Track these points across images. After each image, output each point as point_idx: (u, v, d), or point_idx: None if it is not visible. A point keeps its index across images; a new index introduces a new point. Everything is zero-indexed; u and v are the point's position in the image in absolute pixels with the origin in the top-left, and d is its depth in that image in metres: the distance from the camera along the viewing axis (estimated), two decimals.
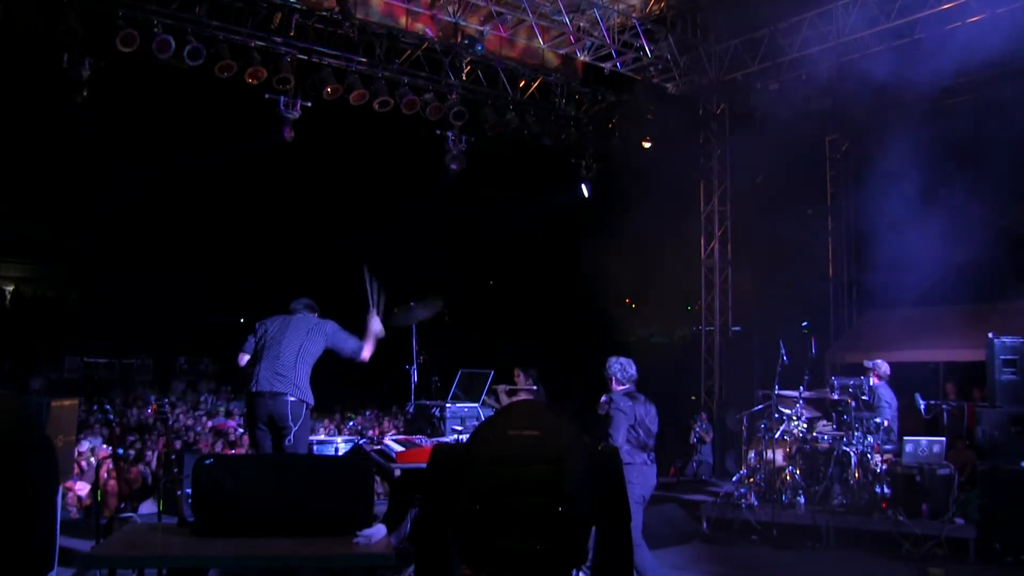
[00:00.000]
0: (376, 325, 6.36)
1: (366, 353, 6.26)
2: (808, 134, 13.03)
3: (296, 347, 6.08)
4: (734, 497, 8.63)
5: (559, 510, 3.14)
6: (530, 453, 3.25)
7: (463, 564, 3.85)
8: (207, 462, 3.98)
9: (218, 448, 11.72)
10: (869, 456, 8.27)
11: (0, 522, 3.67)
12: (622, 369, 5.95)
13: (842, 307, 14.11)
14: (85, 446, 10.08)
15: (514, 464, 3.21)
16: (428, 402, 7.69)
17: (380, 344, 6.34)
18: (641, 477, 5.66)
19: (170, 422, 12.61)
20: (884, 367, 8.93)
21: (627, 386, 5.92)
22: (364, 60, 10.47)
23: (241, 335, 6.39)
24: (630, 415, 5.71)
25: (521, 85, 12.10)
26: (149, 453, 10.76)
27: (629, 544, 3.53)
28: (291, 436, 5.92)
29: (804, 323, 14.16)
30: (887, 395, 8.90)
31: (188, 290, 22.54)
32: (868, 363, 9.04)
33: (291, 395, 5.94)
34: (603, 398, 6.00)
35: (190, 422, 13.65)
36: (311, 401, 6.10)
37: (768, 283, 12.40)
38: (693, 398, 13.71)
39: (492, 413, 5.76)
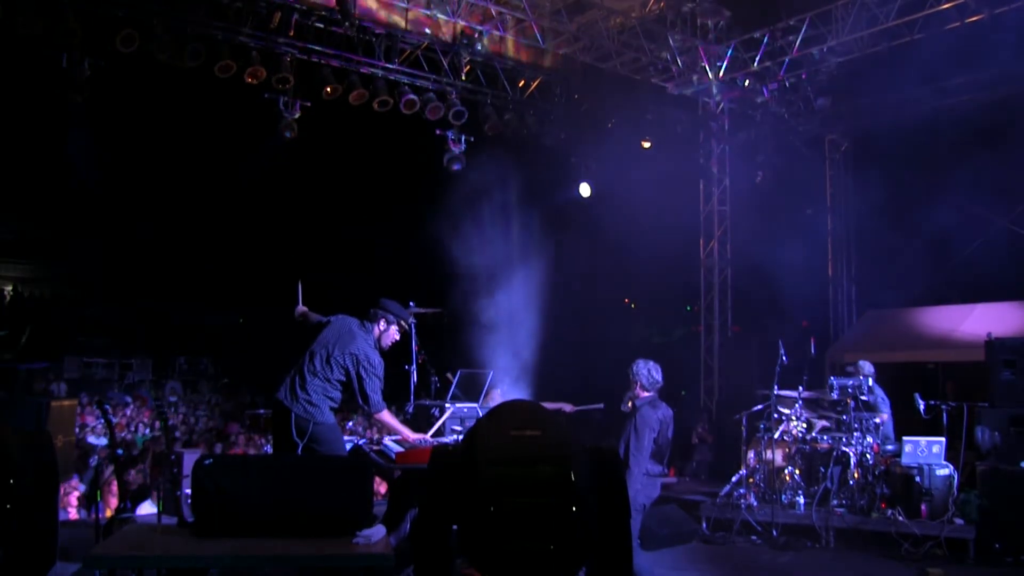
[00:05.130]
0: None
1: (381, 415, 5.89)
2: (808, 134, 13.05)
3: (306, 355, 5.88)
4: (734, 497, 8.63)
5: (571, 509, 3.12)
6: (534, 453, 3.25)
7: (470, 565, 3.84)
8: (207, 462, 3.99)
9: (217, 449, 11.71)
10: (868, 456, 8.27)
11: (3, 520, 3.68)
12: (649, 375, 5.75)
13: (842, 307, 14.12)
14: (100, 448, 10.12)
15: (519, 464, 3.20)
16: (428, 402, 7.69)
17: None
18: (646, 488, 5.65)
19: (170, 422, 12.62)
20: (868, 367, 8.92)
21: (651, 393, 5.77)
22: (364, 60, 10.47)
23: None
24: (655, 427, 5.64)
25: (521, 85, 12.09)
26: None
27: (629, 544, 3.53)
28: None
29: (804, 323, 14.16)
30: (881, 394, 8.91)
31: (188, 290, 22.56)
32: (850, 368, 9.02)
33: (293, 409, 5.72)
34: (627, 395, 5.87)
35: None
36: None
37: (768, 283, 12.41)
38: (684, 393, 13.71)
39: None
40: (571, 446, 3.33)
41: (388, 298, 6.13)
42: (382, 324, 6.00)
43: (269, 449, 10.17)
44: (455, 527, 3.39)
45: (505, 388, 8.10)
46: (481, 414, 7.10)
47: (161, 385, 20.04)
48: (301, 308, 6.43)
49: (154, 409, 14.02)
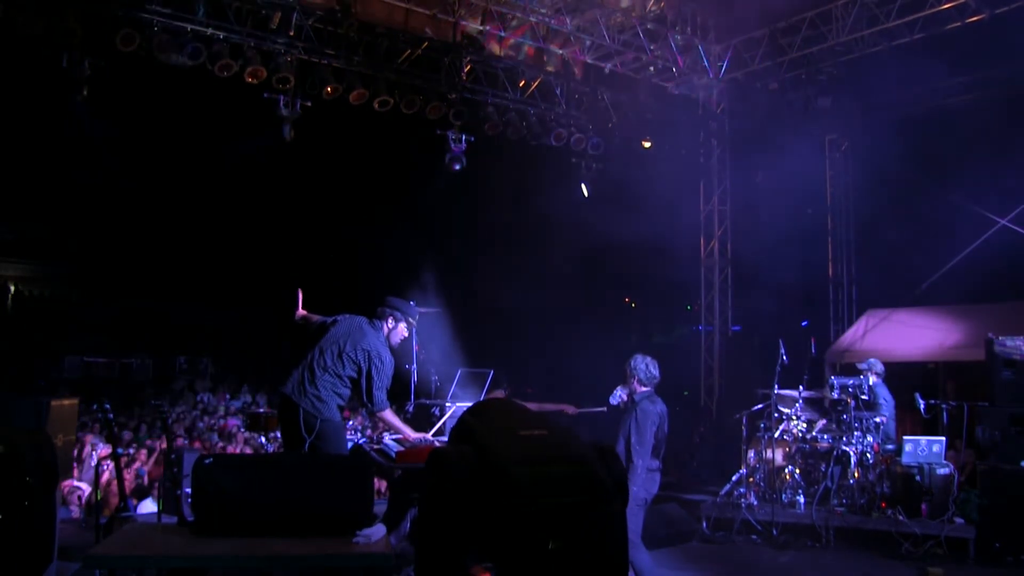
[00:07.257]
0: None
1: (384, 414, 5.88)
2: (808, 134, 13.05)
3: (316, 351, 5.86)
4: (734, 496, 8.63)
5: (603, 506, 3.12)
6: (551, 453, 3.24)
7: (478, 564, 3.82)
8: (207, 462, 3.98)
9: (217, 448, 11.71)
10: (869, 456, 8.28)
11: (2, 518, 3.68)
12: (646, 369, 5.75)
13: (842, 307, 14.11)
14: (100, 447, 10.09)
15: (542, 464, 3.18)
16: (428, 401, 7.69)
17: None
18: (647, 483, 5.66)
19: (169, 421, 12.62)
20: (879, 366, 8.95)
21: (649, 388, 5.78)
22: (364, 60, 10.47)
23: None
24: (655, 421, 5.65)
25: (521, 85, 12.09)
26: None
27: (625, 538, 3.53)
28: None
29: (804, 323, 14.17)
30: (884, 393, 8.92)
31: (188, 290, 22.56)
32: (862, 365, 9.04)
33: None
34: (618, 389, 5.89)
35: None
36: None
37: (768, 283, 12.40)
38: (686, 393, 13.71)
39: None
40: (582, 445, 3.34)
41: (393, 296, 6.14)
42: (390, 322, 5.98)
43: (270, 448, 10.18)
44: (465, 529, 3.36)
45: (505, 388, 8.13)
46: None
47: (162, 385, 20.03)
48: (301, 312, 6.43)
49: (154, 409, 14.01)
